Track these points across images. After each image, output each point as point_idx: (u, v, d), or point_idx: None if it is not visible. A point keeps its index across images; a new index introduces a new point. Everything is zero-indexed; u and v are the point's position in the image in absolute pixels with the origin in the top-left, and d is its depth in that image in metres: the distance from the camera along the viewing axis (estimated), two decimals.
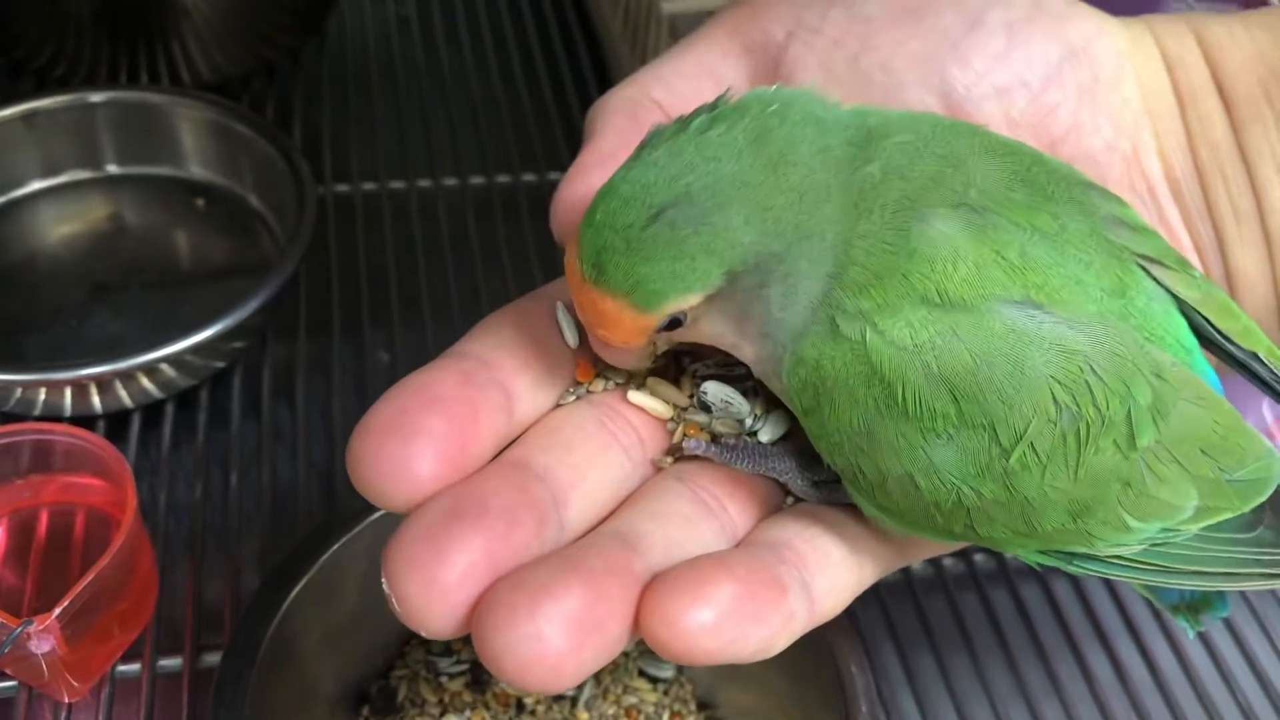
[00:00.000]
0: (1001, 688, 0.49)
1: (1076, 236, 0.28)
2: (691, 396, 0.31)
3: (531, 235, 0.65)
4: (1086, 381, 0.27)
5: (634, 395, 0.31)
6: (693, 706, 0.47)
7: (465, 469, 0.27)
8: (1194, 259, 0.34)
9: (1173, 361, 0.28)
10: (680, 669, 0.47)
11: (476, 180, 0.69)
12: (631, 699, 0.46)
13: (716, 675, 0.47)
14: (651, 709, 0.46)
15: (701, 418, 0.31)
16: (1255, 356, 0.31)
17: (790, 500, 0.31)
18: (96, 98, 0.63)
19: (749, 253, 0.27)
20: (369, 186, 0.68)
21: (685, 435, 0.30)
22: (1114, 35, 0.34)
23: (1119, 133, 0.34)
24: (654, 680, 0.47)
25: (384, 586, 0.26)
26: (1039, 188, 0.29)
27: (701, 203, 0.26)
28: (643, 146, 0.27)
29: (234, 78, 0.72)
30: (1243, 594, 0.54)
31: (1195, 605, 0.38)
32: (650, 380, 0.31)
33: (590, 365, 0.31)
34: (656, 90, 0.34)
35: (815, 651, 0.42)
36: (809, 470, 0.30)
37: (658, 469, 0.30)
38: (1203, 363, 0.30)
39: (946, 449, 0.27)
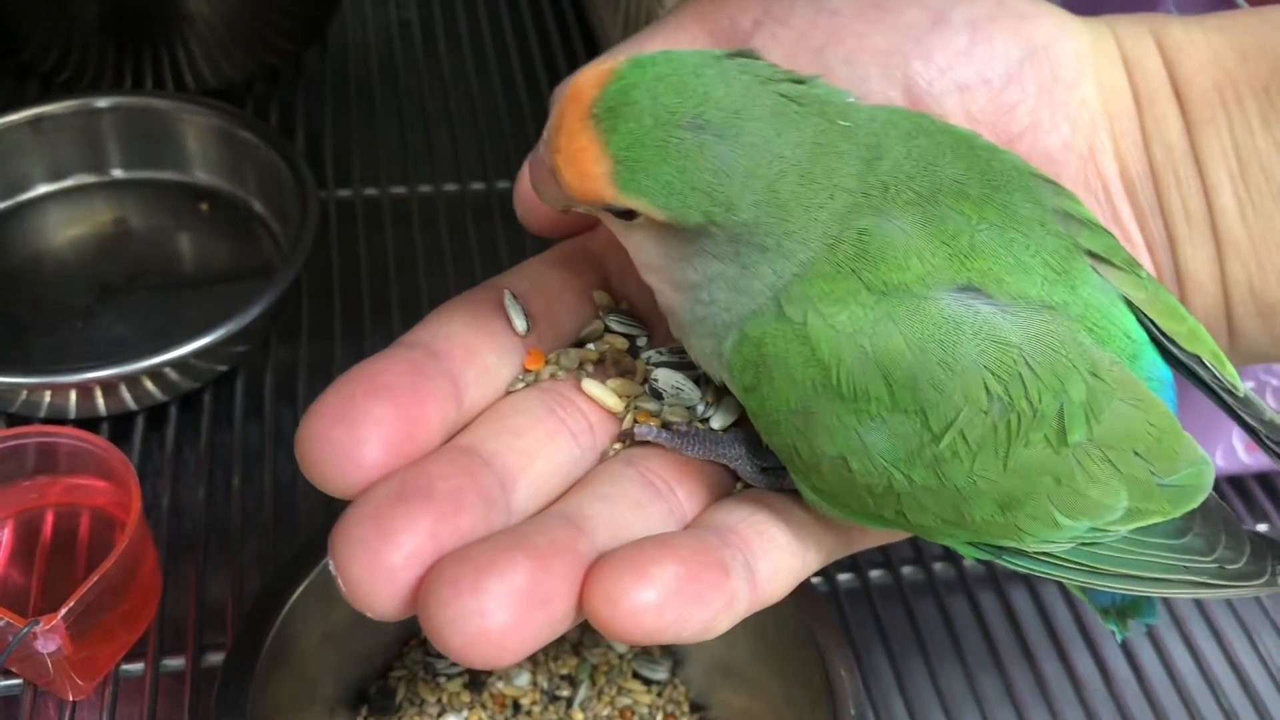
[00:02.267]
0: (990, 690, 0.50)
1: (1025, 225, 0.29)
2: (644, 383, 0.32)
3: (530, 240, 0.65)
4: (1020, 374, 0.27)
5: (587, 385, 0.31)
6: (686, 708, 0.47)
7: (412, 457, 0.27)
8: (1145, 258, 0.35)
9: (1112, 360, 0.29)
10: (674, 671, 0.48)
11: (476, 186, 0.70)
12: (626, 700, 0.47)
13: (710, 677, 0.48)
14: (646, 710, 0.47)
15: (652, 405, 0.31)
16: (1199, 360, 0.31)
17: (740, 486, 0.31)
18: (102, 103, 0.64)
19: (733, 225, 0.27)
20: (370, 192, 0.69)
21: (636, 422, 0.31)
22: (1075, 35, 0.35)
23: (1076, 132, 0.34)
24: (648, 682, 0.48)
25: (329, 568, 0.26)
26: (994, 182, 0.29)
27: (742, 154, 0.26)
28: (732, 55, 0.27)
29: (238, 83, 0.72)
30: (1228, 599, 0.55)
31: (1124, 610, 0.38)
32: (600, 368, 0.31)
33: (540, 353, 0.31)
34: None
35: (806, 654, 0.42)
36: (758, 457, 0.31)
37: (607, 457, 0.31)
38: (1152, 354, 0.30)
39: (878, 432, 0.27)
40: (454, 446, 0.28)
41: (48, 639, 0.42)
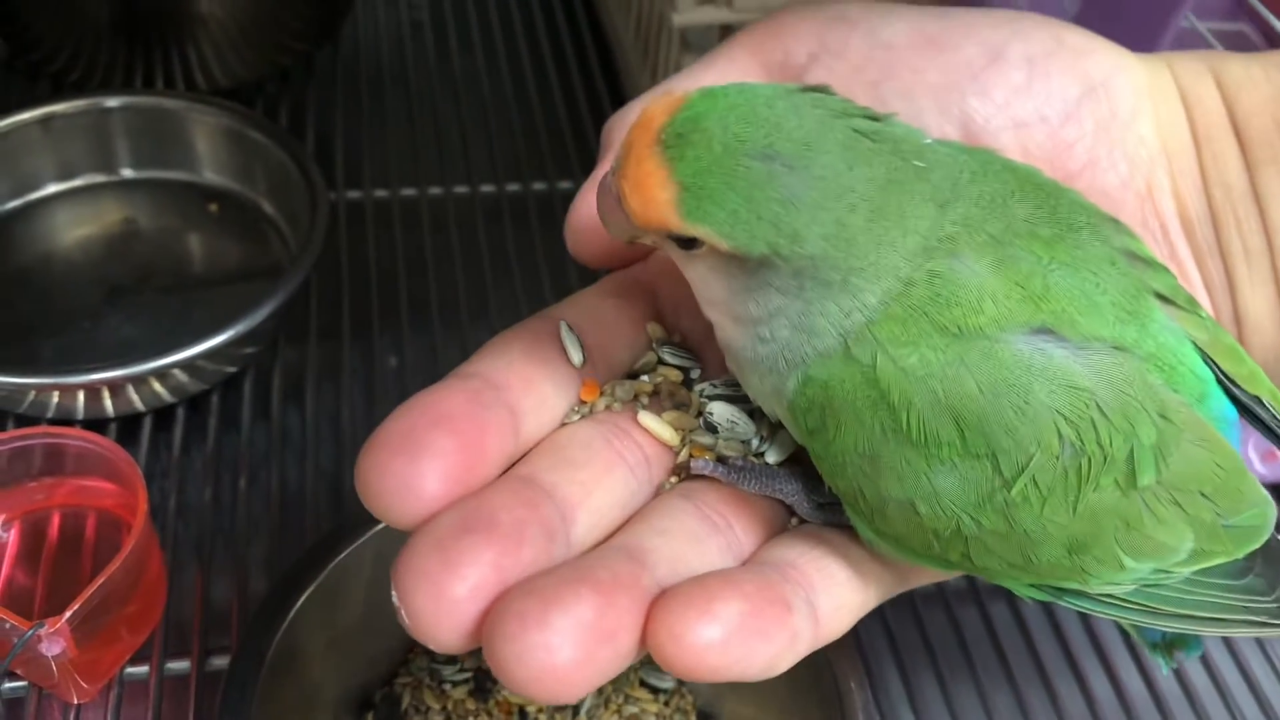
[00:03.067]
0: (1001, 704, 0.50)
1: (1095, 265, 0.29)
2: (699, 416, 0.31)
3: (540, 244, 0.65)
4: (1092, 418, 0.27)
5: (643, 417, 0.31)
6: (693, 717, 0.47)
7: (471, 488, 0.27)
8: (1203, 297, 0.34)
9: (1180, 401, 0.28)
10: (682, 680, 0.48)
11: (487, 188, 0.70)
12: (633, 709, 0.47)
13: (717, 686, 0.47)
14: (653, 719, 0.47)
15: (707, 439, 0.31)
16: (1259, 401, 0.31)
17: (795, 521, 0.31)
18: (112, 102, 0.64)
19: (798, 259, 0.26)
20: (380, 193, 0.69)
21: (691, 456, 0.30)
22: (1133, 72, 0.34)
23: (1134, 170, 0.34)
24: (655, 690, 0.47)
25: (393, 599, 0.26)
26: (1063, 221, 0.29)
27: (811, 186, 0.26)
28: (805, 90, 0.27)
29: (248, 83, 0.72)
30: None
31: (1172, 643, 0.38)
32: (655, 400, 0.31)
33: (595, 385, 0.31)
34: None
35: (814, 664, 0.42)
36: (814, 492, 0.30)
37: (663, 491, 0.30)
38: (1218, 394, 0.30)
39: (948, 477, 0.27)
40: (515, 477, 0.28)
41: (52, 642, 0.42)
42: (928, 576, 0.32)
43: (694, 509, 0.30)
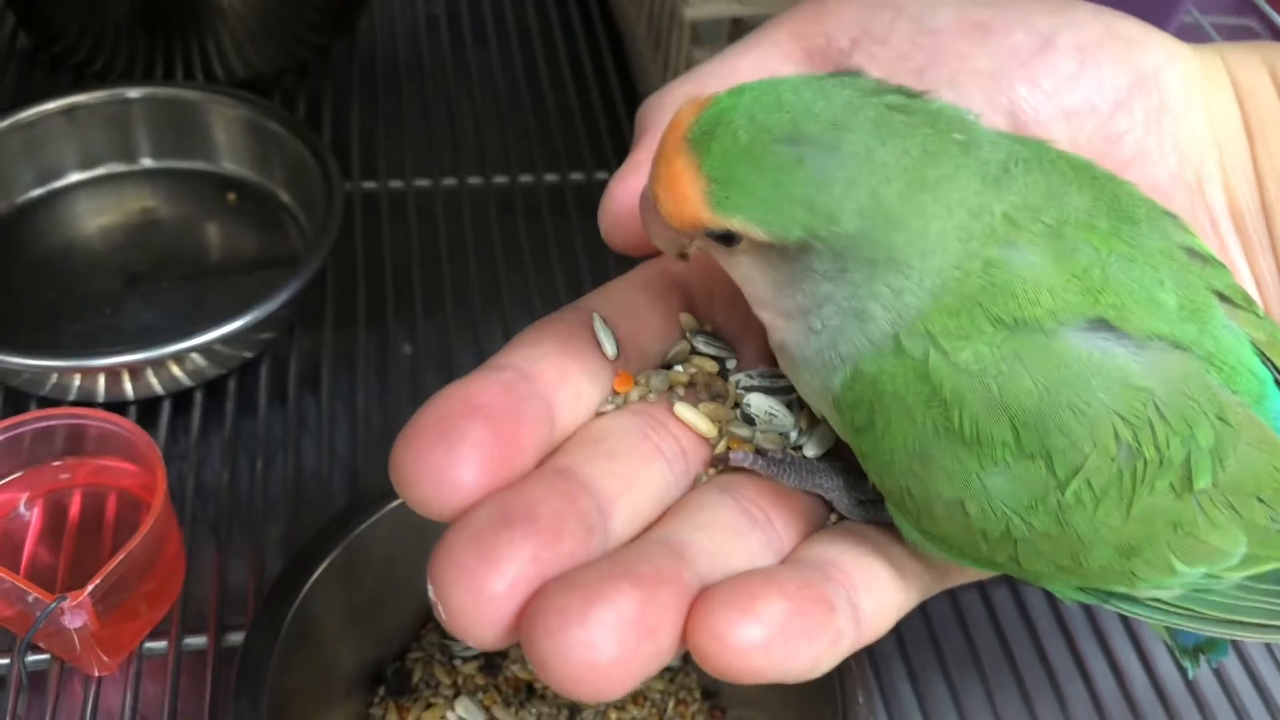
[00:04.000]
0: (1007, 701, 0.50)
1: (1155, 259, 0.28)
2: (735, 408, 0.31)
3: (553, 234, 0.66)
4: (1149, 419, 0.26)
5: (680, 409, 0.30)
6: (697, 694, 0.48)
7: (508, 479, 0.27)
8: (1254, 293, 0.34)
9: (1238, 402, 0.28)
10: (686, 657, 0.49)
11: (500, 180, 0.71)
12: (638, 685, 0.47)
13: None
14: (658, 696, 0.47)
15: (745, 431, 0.30)
16: None
17: (833, 518, 0.30)
18: (133, 93, 0.65)
19: (837, 239, 0.26)
20: (395, 184, 0.70)
21: (729, 448, 0.30)
22: (1185, 63, 0.34)
23: (1184, 162, 0.33)
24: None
25: (429, 594, 0.25)
26: (1121, 214, 0.28)
27: (841, 164, 0.25)
28: (834, 75, 0.27)
29: (266, 75, 0.73)
30: None
31: (1200, 647, 0.38)
32: (691, 392, 0.31)
33: (629, 376, 0.31)
34: (713, 88, 0.33)
35: None
36: (855, 489, 0.30)
37: (699, 483, 0.30)
38: (1276, 395, 0.29)
39: (1001, 478, 0.26)
40: (552, 469, 0.28)
41: (74, 614, 0.43)
42: (967, 576, 0.31)
43: (733, 502, 0.29)
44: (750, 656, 0.24)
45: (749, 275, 0.28)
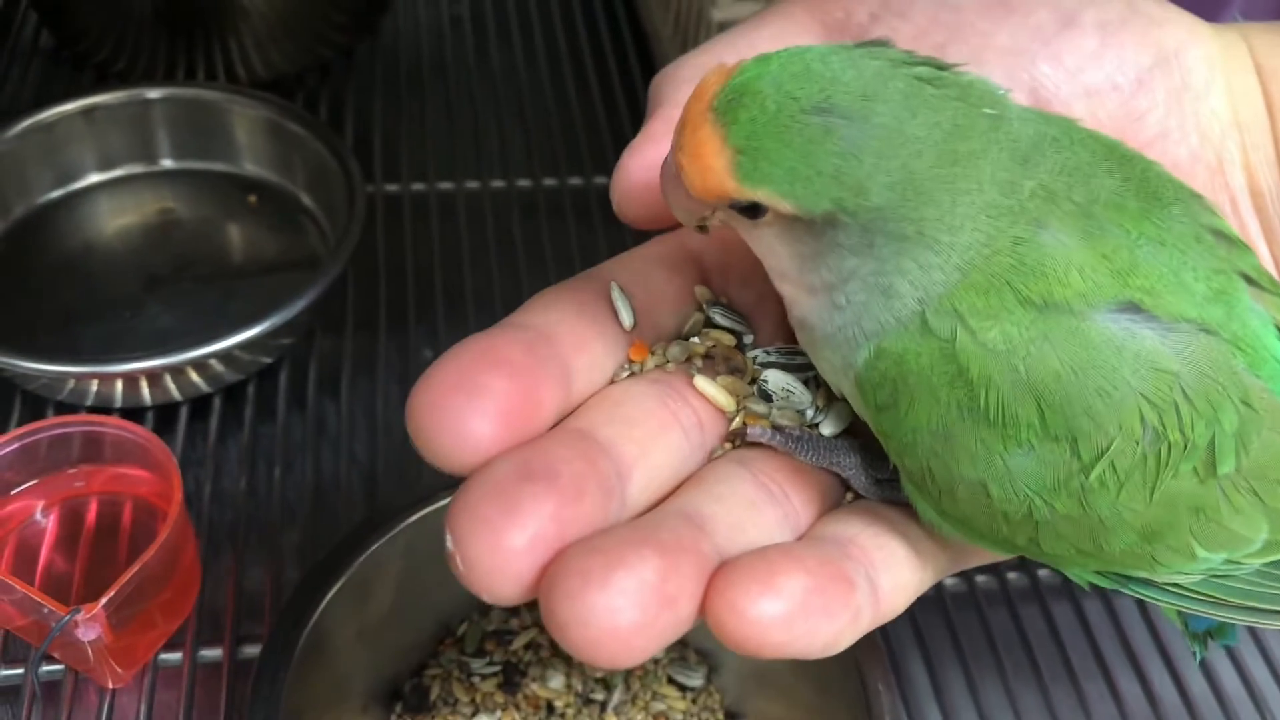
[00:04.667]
0: (1029, 705, 0.49)
1: (1182, 241, 0.28)
2: (753, 383, 0.30)
3: (576, 238, 0.66)
4: (1175, 402, 0.26)
5: (699, 381, 0.30)
6: (720, 716, 0.47)
7: (525, 435, 0.26)
8: (1274, 274, 0.33)
9: (1263, 387, 0.27)
10: (710, 678, 0.48)
11: (523, 183, 0.70)
12: (660, 705, 0.47)
13: (745, 685, 0.47)
14: (680, 716, 0.47)
15: (761, 407, 0.30)
16: None
17: (849, 496, 0.30)
18: (154, 94, 0.65)
19: (865, 212, 0.25)
20: (418, 187, 0.69)
21: (745, 423, 0.30)
22: (1207, 42, 0.33)
23: (1205, 143, 0.33)
24: (683, 688, 0.47)
25: (448, 544, 0.24)
26: (1150, 193, 0.28)
27: (871, 135, 0.25)
28: (863, 45, 0.26)
29: (288, 76, 0.73)
30: None
31: (1212, 632, 0.38)
32: (709, 364, 0.30)
33: (644, 345, 0.30)
34: (730, 61, 0.33)
35: (842, 664, 0.42)
36: (872, 467, 0.30)
37: (714, 457, 0.30)
38: None
39: (1025, 459, 0.26)
40: (570, 430, 0.27)
41: (89, 627, 0.42)
42: (983, 557, 0.31)
43: (750, 476, 0.29)
44: (770, 632, 0.24)
45: (773, 248, 0.27)
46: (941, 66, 0.26)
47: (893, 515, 0.29)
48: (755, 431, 0.29)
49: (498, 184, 0.70)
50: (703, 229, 0.29)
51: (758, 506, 0.28)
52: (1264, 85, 0.34)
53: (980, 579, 0.53)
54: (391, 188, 0.69)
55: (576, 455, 0.26)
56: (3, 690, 0.46)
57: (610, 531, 0.25)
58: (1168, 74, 0.33)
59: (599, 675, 0.47)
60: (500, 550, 0.24)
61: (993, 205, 0.26)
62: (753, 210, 0.26)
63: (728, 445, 0.30)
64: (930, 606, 0.52)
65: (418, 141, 0.72)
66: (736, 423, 0.30)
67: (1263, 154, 0.33)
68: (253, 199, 0.66)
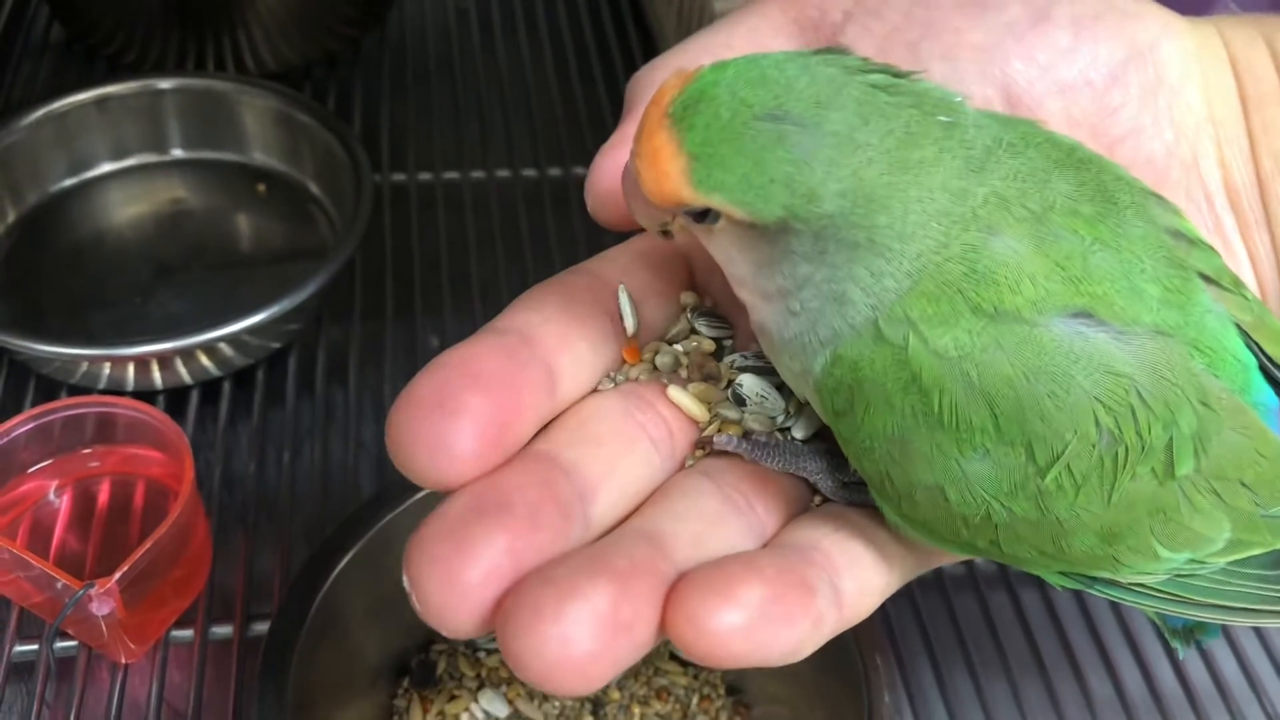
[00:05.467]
0: (1030, 689, 0.50)
1: (1138, 245, 0.27)
2: (728, 388, 0.31)
3: (581, 228, 0.66)
4: (1131, 405, 0.26)
5: (673, 392, 0.30)
6: (721, 690, 0.48)
7: (507, 448, 0.27)
8: (1248, 270, 0.33)
9: (1222, 388, 0.27)
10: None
11: (529, 173, 0.71)
12: (662, 680, 0.47)
13: None
14: (681, 691, 0.47)
15: (734, 413, 0.30)
16: None
17: (818, 500, 0.30)
18: (165, 84, 0.66)
19: (817, 219, 0.25)
20: (424, 176, 0.70)
21: (717, 430, 0.30)
22: (1181, 37, 0.33)
23: (1180, 138, 0.33)
24: (685, 664, 0.48)
25: (404, 584, 0.25)
26: (1106, 196, 0.28)
27: (823, 143, 0.25)
28: (819, 51, 0.26)
29: (297, 67, 0.74)
30: None
31: (1191, 629, 0.38)
32: (687, 368, 0.31)
33: (636, 348, 0.30)
34: (704, 61, 0.33)
35: (841, 641, 0.42)
36: (839, 471, 0.30)
37: (686, 466, 0.30)
38: (1260, 381, 0.29)
39: (980, 464, 0.26)
40: (532, 454, 0.27)
41: (102, 602, 0.43)
42: (951, 558, 0.31)
43: (715, 488, 0.29)
44: (730, 642, 0.24)
45: (729, 255, 0.28)
46: (898, 74, 0.26)
47: (858, 519, 0.29)
48: (721, 440, 0.29)
49: (503, 174, 0.71)
50: (666, 234, 0.29)
51: (721, 518, 0.28)
52: (1238, 79, 0.33)
53: (979, 561, 0.54)
54: (398, 178, 0.69)
55: (534, 483, 0.26)
56: (18, 667, 0.47)
57: (564, 560, 0.25)
58: (1142, 69, 0.33)
59: None
60: (455, 586, 0.24)
61: (944, 213, 0.26)
62: (708, 216, 0.26)
63: (699, 453, 0.30)
64: (930, 588, 0.53)
65: (424, 132, 0.73)
66: (708, 430, 0.30)
67: (1237, 149, 0.33)
68: (262, 188, 0.67)
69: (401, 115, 0.73)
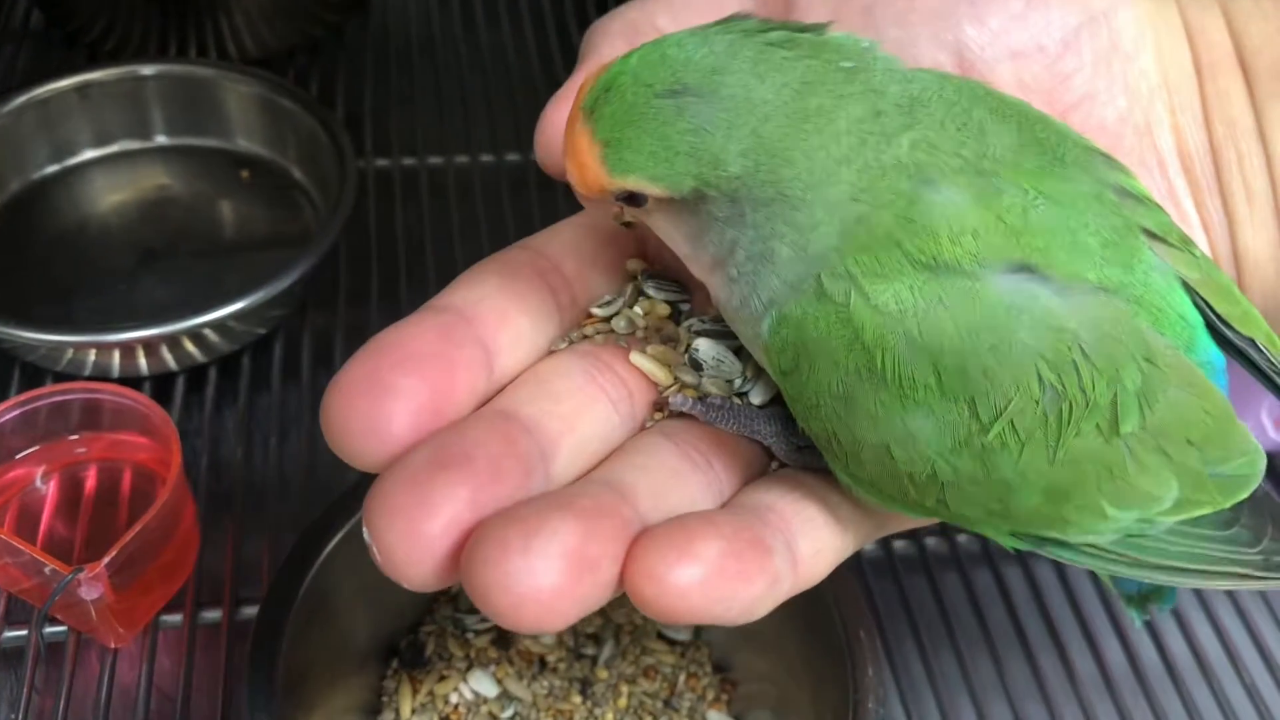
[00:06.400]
0: (1012, 664, 0.50)
1: (1082, 201, 0.27)
2: (685, 352, 0.31)
3: (565, 211, 0.66)
4: (1074, 361, 0.26)
5: (635, 358, 0.30)
6: (708, 669, 0.48)
7: (440, 427, 0.26)
8: (1201, 237, 0.33)
9: (1168, 345, 0.27)
10: (698, 632, 0.49)
11: (512, 157, 0.71)
12: (650, 660, 0.48)
13: (732, 639, 0.48)
14: (669, 670, 0.48)
15: (691, 376, 0.30)
16: (1252, 343, 0.30)
17: (775, 465, 0.31)
18: (147, 71, 0.65)
19: (727, 183, 0.26)
20: (408, 161, 0.70)
21: (676, 393, 0.30)
22: (1136, 3, 0.33)
23: (1133, 104, 0.33)
24: (672, 642, 0.49)
25: (364, 536, 0.25)
26: (1049, 151, 0.28)
27: (720, 108, 0.25)
28: (721, 21, 0.27)
29: (280, 53, 0.73)
30: None
31: (1146, 595, 0.38)
32: (644, 330, 0.31)
33: (580, 316, 0.31)
34: (661, 17, 0.33)
35: (827, 618, 0.43)
36: (793, 435, 0.30)
37: (645, 428, 0.30)
38: (1205, 339, 0.29)
39: (924, 420, 0.26)
40: (493, 410, 0.28)
41: (91, 586, 0.43)
42: (905, 522, 0.31)
43: (674, 447, 0.29)
44: (687, 597, 0.24)
45: (667, 233, 0.28)
46: (800, 29, 0.26)
47: (813, 483, 0.29)
48: (678, 400, 0.29)
49: (487, 158, 0.71)
50: (628, 225, 0.29)
51: (681, 475, 0.28)
52: (1193, 46, 0.33)
53: (961, 539, 0.54)
54: (382, 162, 0.69)
55: (495, 437, 0.26)
56: (7, 652, 0.47)
57: (529, 501, 0.25)
58: (1095, 35, 0.32)
59: (590, 631, 0.48)
60: (415, 538, 0.24)
61: (851, 158, 0.26)
62: (635, 199, 0.27)
63: (658, 415, 0.30)
64: (914, 566, 0.53)
65: (408, 117, 0.73)
66: (669, 393, 0.30)
67: (1191, 115, 0.33)
68: (245, 174, 0.66)
69: (384, 100, 0.73)
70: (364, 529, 0.25)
